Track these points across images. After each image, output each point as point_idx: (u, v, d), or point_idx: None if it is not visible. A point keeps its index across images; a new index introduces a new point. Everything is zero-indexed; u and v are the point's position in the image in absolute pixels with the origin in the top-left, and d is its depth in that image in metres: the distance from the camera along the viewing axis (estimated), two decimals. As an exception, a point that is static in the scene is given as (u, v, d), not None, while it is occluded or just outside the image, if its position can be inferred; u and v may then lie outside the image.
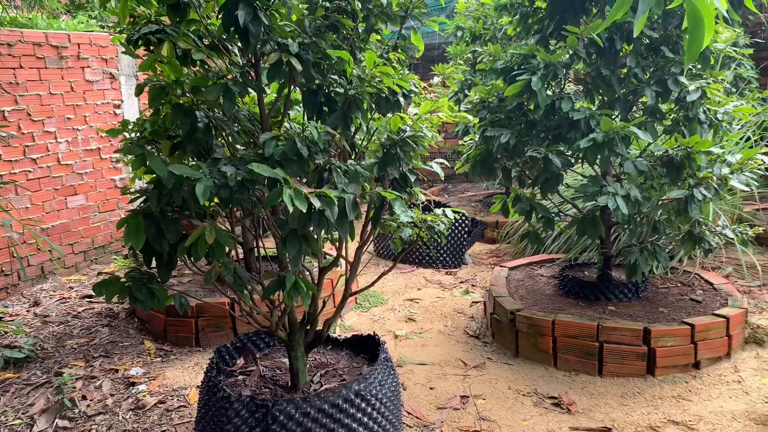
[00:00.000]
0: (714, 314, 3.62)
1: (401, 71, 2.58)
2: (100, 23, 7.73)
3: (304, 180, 2.29)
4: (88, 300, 5.15)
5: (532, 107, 3.76)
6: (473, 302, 4.81)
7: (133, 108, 6.54)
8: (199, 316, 4.18)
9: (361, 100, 2.29)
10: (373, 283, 2.91)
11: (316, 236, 2.45)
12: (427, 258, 5.76)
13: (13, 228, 5.22)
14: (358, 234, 2.77)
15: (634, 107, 3.93)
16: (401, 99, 2.51)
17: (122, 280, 2.55)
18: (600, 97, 3.87)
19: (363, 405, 2.67)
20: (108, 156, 6.26)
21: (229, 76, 2.27)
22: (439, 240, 2.71)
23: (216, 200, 2.42)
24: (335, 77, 2.31)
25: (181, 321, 4.21)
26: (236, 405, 2.58)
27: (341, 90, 2.32)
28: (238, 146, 2.69)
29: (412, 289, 5.15)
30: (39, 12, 7.54)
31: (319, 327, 3.02)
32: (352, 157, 2.65)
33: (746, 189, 3.48)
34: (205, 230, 2.29)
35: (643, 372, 3.47)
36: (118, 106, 6.37)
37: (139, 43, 2.84)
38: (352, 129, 2.36)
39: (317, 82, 2.36)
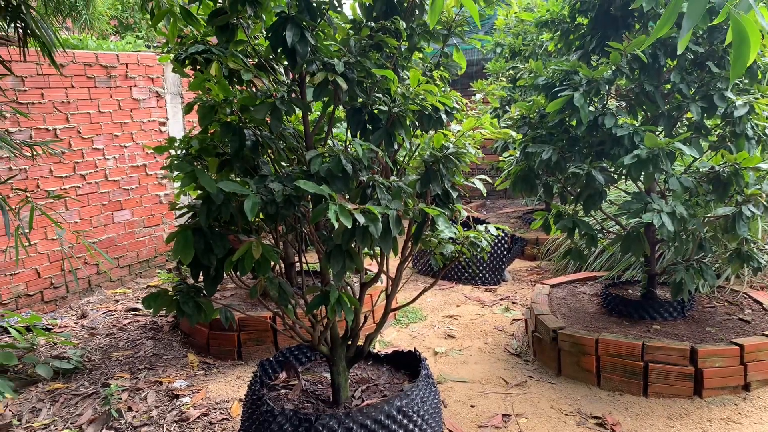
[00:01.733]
0: (764, 335, 3.52)
1: (443, 88, 2.60)
2: (146, 44, 7.97)
3: (347, 196, 2.33)
4: (133, 313, 5.26)
5: (574, 123, 3.75)
6: (513, 320, 4.77)
7: (177, 125, 6.70)
8: (242, 329, 4.24)
9: (404, 118, 2.31)
10: (414, 299, 2.92)
11: (358, 251, 2.48)
12: (467, 274, 5.74)
13: (64, 241, 5.38)
14: (400, 250, 2.79)
15: (678, 123, 3.88)
16: (443, 116, 2.53)
17: (170, 293, 2.62)
18: (643, 113, 3.84)
19: (405, 421, 2.67)
20: (153, 172, 6.41)
21: (275, 95, 2.32)
22: (480, 257, 2.71)
23: (261, 216, 2.46)
24: (379, 95, 2.35)
25: (223, 335, 4.27)
26: (280, 419, 2.61)
27: (385, 108, 2.35)
28: (283, 163, 2.74)
29: (451, 306, 5.14)
30: (89, 33, 7.82)
31: (360, 342, 3.04)
32: (394, 174, 2.68)
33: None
34: (252, 245, 2.33)
35: (690, 393, 3.39)
36: (164, 124, 6.54)
37: (186, 62, 2.94)
38: (395, 146, 2.39)
39: (361, 100, 2.40)
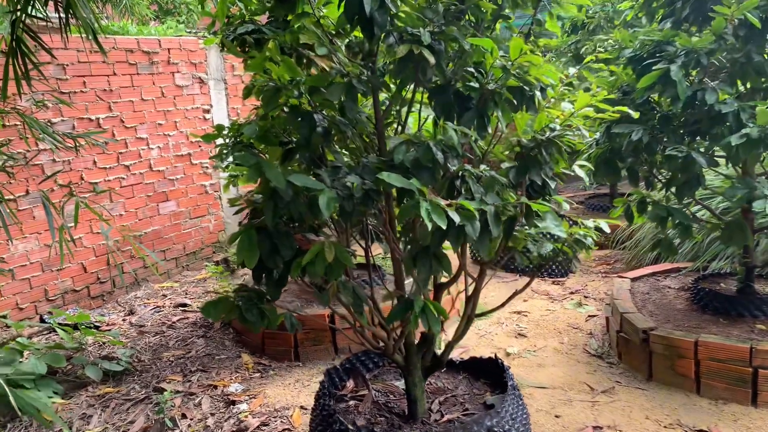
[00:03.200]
0: None
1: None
2: (187, 29, 7.74)
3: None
4: (182, 309, 5.05)
5: (667, 100, 3.34)
6: (589, 316, 4.40)
7: (222, 112, 6.45)
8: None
9: (501, 95, 1.97)
10: (504, 303, 2.60)
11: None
12: (531, 266, 5.35)
13: (109, 236, 5.19)
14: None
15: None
16: (538, 93, 2.18)
17: (231, 299, 2.34)
18: (742, 87, 3.41)
19: (495, 442, 2.36)
20: (198, 161, 6.18)
21: (350, 74, 2.00)
22: (579, 255, 2.37)
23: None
24: (470, 70, 2.01)
25: (279, 334, 4.01)
26: (355, 440, 2.32)
27: (476, 85, 2.01)
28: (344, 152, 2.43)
29: (517, 300, 4.76)
30: (129, 19, 7.61)
31: (437, 349, 2.74)
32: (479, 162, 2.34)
33: None
34: (324, 246, 2.03)
35: (808, 403, 3.01)
36: (208, 111, 6.29)
37: (234, 43, 2.64)
38: (490, 129, 2.05)
39: (447, 76, 2.07)
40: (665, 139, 3.37)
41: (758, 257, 3.74)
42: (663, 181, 3.47)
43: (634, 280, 4.22)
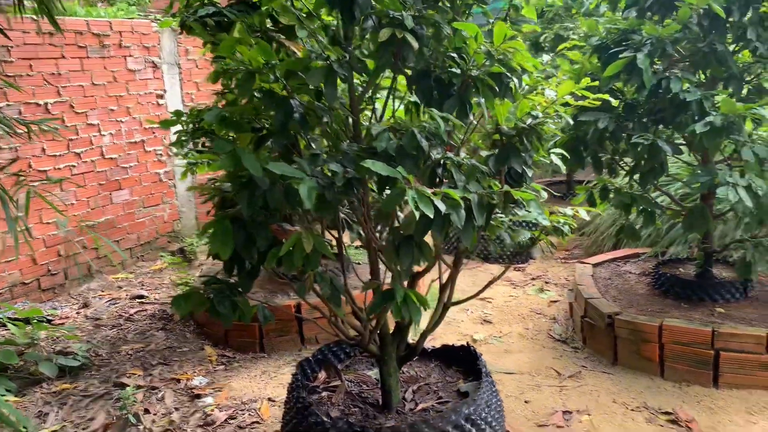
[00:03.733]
0: (843, 317, 3.23)
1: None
2: (139, 11, 7.46)
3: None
4: (140, 300, 4.90)
5: (631, 88, 3.38)
6: (551, 301, 4.46)
7: (176, 98, 6.26)
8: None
9: (483, 82, 1.94)
10: (479, 292, 2.60)
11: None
12: (485, 252, 5.39)
13: (66, 229, 4.99)
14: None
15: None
16: (515, 80, 2.16)
17: (202, 292, 2.26)
18: (705, 76, 3.48)
19: (473, 430, 2.35)
20: (152, 149, 5.99)
21: (330, 57, 1.93)
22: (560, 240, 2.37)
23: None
24: (452, 55, 1.97)
25: (243, 325, 3.92)
26: (332, 432, 2.28)
27: (458, 71, 1.98)
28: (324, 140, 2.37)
29: (480, 287, 4.80)
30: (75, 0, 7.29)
31: (411, 339, 2.72)
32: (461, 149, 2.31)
33: None
34: (302, 236, 1.98)
35: (767, 383, 3.10)
36: (161, 96, 6.09)
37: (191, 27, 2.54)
38: (471, 116, 2.02)
39: (428, 62, 2.03)
40: (630, 127, 3.42)
41: (716, 242, 3.84)
42: (626, 168, 3.52)
43: (595, 265, 4.29)
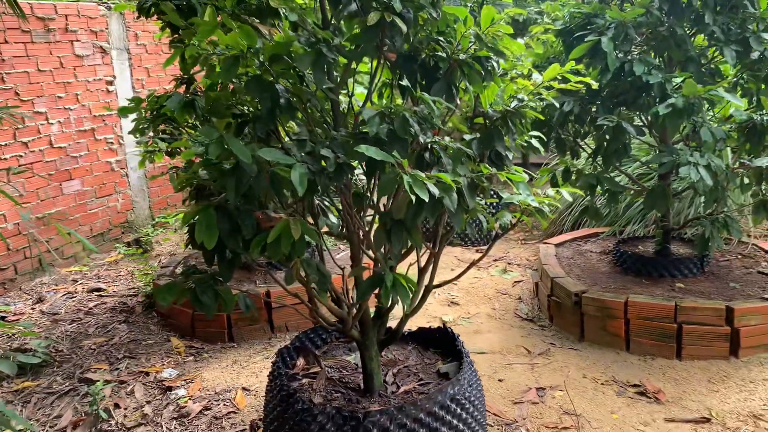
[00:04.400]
0: (794, 289, 3.41)
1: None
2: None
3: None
4: (98, 294, 4.76)
5: (594, 72, 3.46)
6: (515, 282, 4.55)
7: (125, 84, 6.07)
8: (232, 310, 3.83)
9: (470, 66, 1.95)
10: (459, 276, 2.63)
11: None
12: (455, 236, 5.46)
13: (30, 222, 4.79)
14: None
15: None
16: (495, 64, 2.18)
17: (184, 282, 2.22)
18: (662, 59, 3.58)
19: (458, 410, 2.39)
20: (103, 137, 5.80)
21: (320, 40, 1.91)
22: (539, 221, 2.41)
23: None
24: (439, 39, 1.98)
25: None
26: (320, 418, 2.28)
27: (444, 55, 1.98)
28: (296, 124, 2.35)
29: (445, 270, 4.86)
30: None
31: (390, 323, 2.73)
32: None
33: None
34: (290, 223, 1.96)
35: (726, 354, 3.26)
36: (111, 83, 5.90)
37: (152, 11, 2.49)
38: (458, 100, 2.03)
39: (409, 46, 2.03)
40: (593, 110, 3.50)
41: (672, 220, 3.98)
42: (588, 150, 3.61)
43: (558, 245, 4.39)
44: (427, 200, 1.71)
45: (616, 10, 3.19)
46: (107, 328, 4.15)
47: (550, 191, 2.19)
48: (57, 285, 5.01)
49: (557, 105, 2.14)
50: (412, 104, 2.15)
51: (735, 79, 3.60)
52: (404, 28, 1.83)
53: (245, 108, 2.19)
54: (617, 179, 4.49)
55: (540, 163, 6.65)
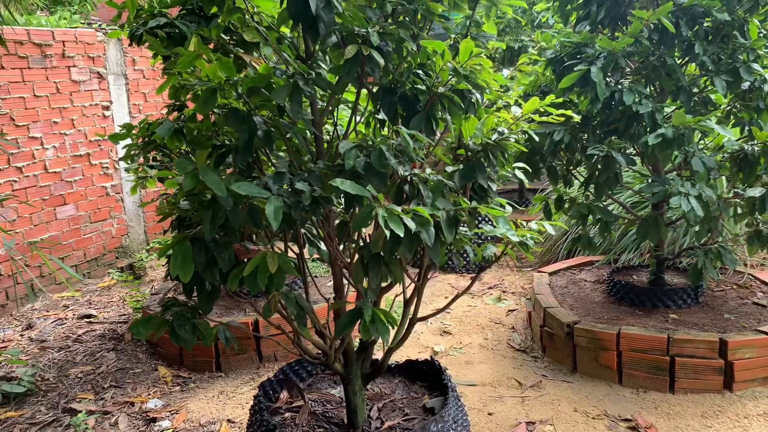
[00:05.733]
0: (789, 321, 3.35)
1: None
2: (81, 20, 7.23)
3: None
4: (88, 320, 4.72)
5: (584, 100, 3.45)
6: (509, 311, 4.49)
7: (122, 110, 6.08)
8: (218, 340, 3.78)
9: (450, 98, 1.93)
10: (445, 308, 2.59)
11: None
12: (449, 264, 5.40)
13: (12, 251, 4.76)
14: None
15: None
16: (478, 96, 2.16)
17: (161, 316, 2.18)
18: (653, 88, 3.57)
19: (441, 448, 2.34)
20: (98, 162, 5.80)
21: (296, 74, 1.89)
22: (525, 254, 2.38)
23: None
24: (418, 72, 1.96)
25: (198, 344, 3.80)
26: (299, 456, 2.22)
27: (423, 87, 1.97)
28: (280, 156, 2.33)
29: (439, 298, 4.82)
30: (13, 8, 7.02)
31: (376, 356, 2.68)
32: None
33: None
34: (267, 256, 1.93)
35: (720, 387, 3.19)
36: (107, 108, 5.91)
37: (143, 39, 2.49)
38: (438, 133, 2.01)
39: (391, 78, 2.01)
40: (584, 139, 3.48)
41: (666, 250, 3.94)
42: (580, 178, 3.58)
43: (551, 274, 4.35)
44: (402, 234, 1.68)
45: (605, 39, 3.18)
46: (95, 356, 4.10)
47: (534, 225, 2.16)
48: (48, 311, 4.98)
49: (536, 138, 2.12)
50: (395, 136, 2.13)
51: (729, 108, 3.59)
52: (382, 61, 1.82)
53: (225, 139, 2.17)
54: (611, 208, 4.47)
55: (536, 189, 6.62)
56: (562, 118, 2.24)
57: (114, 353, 4.12)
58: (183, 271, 1.96)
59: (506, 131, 2.05)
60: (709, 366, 3.18)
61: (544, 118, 2.18)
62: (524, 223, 2.24)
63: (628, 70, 3.49)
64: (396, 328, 2.47)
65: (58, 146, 5.39)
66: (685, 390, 3.22)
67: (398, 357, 3.10)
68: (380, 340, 2.55)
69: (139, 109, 6.27)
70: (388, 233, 1.65)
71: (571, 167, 3.70)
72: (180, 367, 3.90)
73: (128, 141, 2.93)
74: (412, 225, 1.73)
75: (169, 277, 2.19)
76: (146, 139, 2.95)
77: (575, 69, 3.20)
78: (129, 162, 3.14)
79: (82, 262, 5.69)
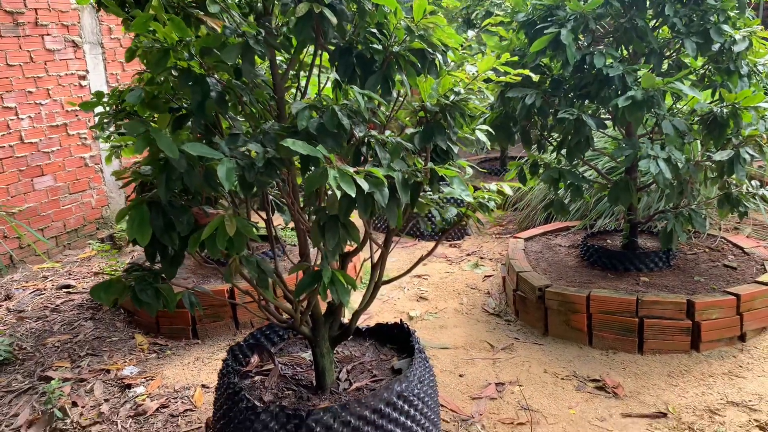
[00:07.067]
0: (757, 282, 3.39)
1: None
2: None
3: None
4: (66, 291, 4.72)
5: (557, 64, 3.43)
6: (485, 276, 4.53)
7: (99, 78, 6.01)
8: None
9: (405, 58, 1.92)
10: (410, 270, 2.60)
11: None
12: (435, 231, 5.42)
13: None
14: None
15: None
16: (439, 56, 2.14)
17: (123, 280, 2.18)
18: (627, 51, 3.55)
19: (406, 407, 2.37)
20: (76, 132, 5.75)
21: (247, 33, 1.87)
22: (481, 218, 2.39)
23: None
24: (373, 31, 1.94)
25: (175, 312, 3.83)
26: (264, 417, 2.25)
27: (380, 47, 1.95)
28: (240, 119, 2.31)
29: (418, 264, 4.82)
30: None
31: (344, 318, 2.71)
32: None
33: (791, 146, 3.24)
34: (224, 219, 1.92)
35: (687, 347, 3.24)
36: (84, 77, 5.84)
37: (113, 1, 2.44)
38: (394, 93, 2.00)
39: (349, 38, 1.99)
40: (557, 103, 3.47)
41: (640, 214, 3.96)
42: (554, 143, 3.58)
43: (527, 239, 4.37)
44: (353, 195, 1.68)
45: (576, 1, 3.15)
46: (73, 325, 4.11)
47: (493, 186, 2.16)
48: (27, 282, 4.97)
49: (491, 98, 2.11)
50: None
51: (703, 71, 3.58)
52: (334, 19, 1.80)
53: (185, 102, 2.15)
54: (588, 174, 4.48)
55: (516, 156, 6.64)
56: (519, 78, 2.23)
57: (92, 322, 4.13)
58: (140, 235, 1.96)
59: (462, 91, 2.03)
60: (677, 327, 3.22)
61: (503, 78, 2.16)
62: (485, 186, 2.24)
63: (602, 32, 3.47)
64: (357, 290, 2.49)
65: (34, 116, 5.33)
66: (654, 351, 3.27)
67: (376, 322, 3.12)
68: (360, 304, 2.59)
69: (117, 78, 6.20)
70: (339, 194, 1.65)
71: (545, 132, 3.69)
72: (157, 334, 3.92)
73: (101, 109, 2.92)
74: (365, 185, 1.73)
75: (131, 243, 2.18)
76: (118, 107, 2.93)
77: (546, 32, 3.18)
78: (100, 130, 3.12)
79: (62, 233, 5.68)
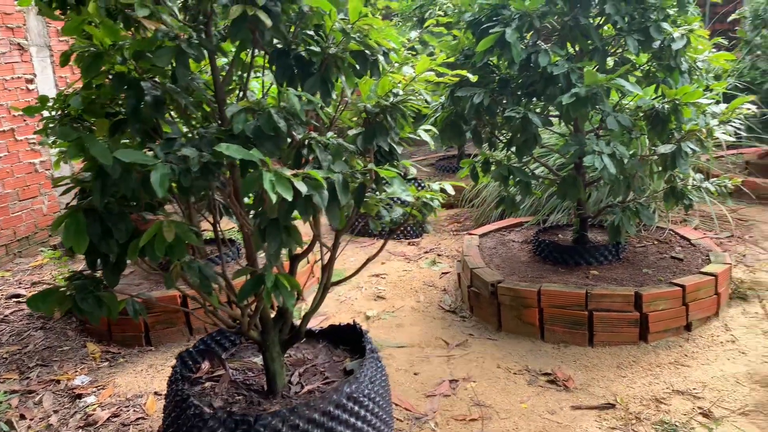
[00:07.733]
0: (701, 272, 3.48)
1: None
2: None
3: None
4: (16, 300, 4.60)
5: (504, 63, 3.47)
6: (442, 273, 4.56)
7: (48, 82, 5.88)
8: (148, 312, 3.75)
9: (343, 60, 1.92)
10: (358, 271, 2.60)
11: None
12: (384, 230, 5.42)
13: None
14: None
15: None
16: (381, 58, 2.15)
17: (62, 289, 2.14)
18: (572, 49, 3.61)
19: (356, 408, 2.37)
20: (24, 137, 5.61)
21: (181, 36, 1.85)
22: (428, 217, 2.41)
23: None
24: (310, 33, 1.93)
25: (126, 319, 3.76)
26: (212, 423, 2.23)
27: (317, 49, 1.94)
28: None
29: (375, 264, 4.83)
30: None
31: (294, 321, 2.69)
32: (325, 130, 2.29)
33: (731, 140, 3.33)
34: (162, 225, 1.90)
35: (636, 339, 3.31)
36: (31, 81, 5.70)
37: (53, 4, 2.39)
38: (334, 95, 2.00)
39: (287, 40, 1.98)
40: (504, 101, 3.51)
41: (590, 208, 4.03)
42: (504, 141, 3.62)
43: (482, 236, 4.41)
44: (290, 198, 1.67)
45: (519, 1, 3.19)
46: (22, 335, 4.01)
47: (435, 186, 2.18)
48: (-25, 292, 4.83)
49: (429, 99, 2.12)
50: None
51: (647, 68, 3.66)
52: (268, 21, 1.78)
53: (120, 107, 2.12)
54: (539, 170, 4.54)
55: (470, 154, 6.68)
56: (457, 79, 2.25)
57: (42, 332, 4.04)
58: (76, 243, 1.92)
59: (401, 93, 2.04)
60: (626, 319, 3.29)
61: (440, 79, 2.18)
62: (428, 185, 2.26)
63: (549, 30, 3.52)
64: (317, 290, 2.48)
65: (-22, 122, 5.19)
66: (604, 343, 3.33)
67: (333, 323, 3.12)
68: (304, 305, 2.58)
69: (67, 81, 6.07)
70: (274, 197, 1.64)
71: (495, 131, 3.73)
72: (109, 342, 3.85)
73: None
74: (303, 188, 1.72)
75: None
76: (63, 111, 2.87)
77: (491, 31, 3.21)
78: (45, 136, 3.05)
79: (12, 241, 5.53)
